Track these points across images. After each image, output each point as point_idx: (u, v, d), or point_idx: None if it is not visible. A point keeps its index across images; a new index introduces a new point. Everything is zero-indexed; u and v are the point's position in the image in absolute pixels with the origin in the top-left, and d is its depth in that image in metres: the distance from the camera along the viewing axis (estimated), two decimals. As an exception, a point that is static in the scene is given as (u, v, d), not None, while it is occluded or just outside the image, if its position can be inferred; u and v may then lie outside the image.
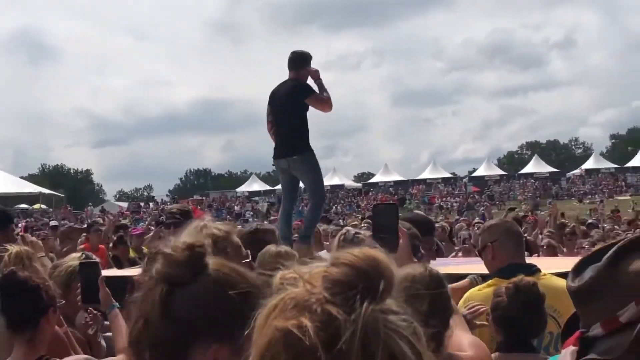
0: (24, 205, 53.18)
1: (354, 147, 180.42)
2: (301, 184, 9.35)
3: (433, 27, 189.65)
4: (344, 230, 4.11)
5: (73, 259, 4.66)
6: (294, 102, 8.56)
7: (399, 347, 1.08)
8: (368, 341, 1.06)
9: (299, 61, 8.83)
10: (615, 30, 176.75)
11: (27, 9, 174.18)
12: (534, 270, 4.37)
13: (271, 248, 3.88)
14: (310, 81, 8.78)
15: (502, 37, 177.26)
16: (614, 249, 1.97)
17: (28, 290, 3.39)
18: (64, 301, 3.82)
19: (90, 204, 59.51)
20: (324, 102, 8.66)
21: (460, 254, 10.81)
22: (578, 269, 2.03)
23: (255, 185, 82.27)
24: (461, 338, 2.92)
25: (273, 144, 8.79)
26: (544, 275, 4.40)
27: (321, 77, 8.78)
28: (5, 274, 3.58)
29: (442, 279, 2.88)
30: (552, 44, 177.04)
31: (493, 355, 3.74)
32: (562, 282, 4.15)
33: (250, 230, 4.78)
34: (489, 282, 4.45)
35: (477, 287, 4.53)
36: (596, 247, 2.15)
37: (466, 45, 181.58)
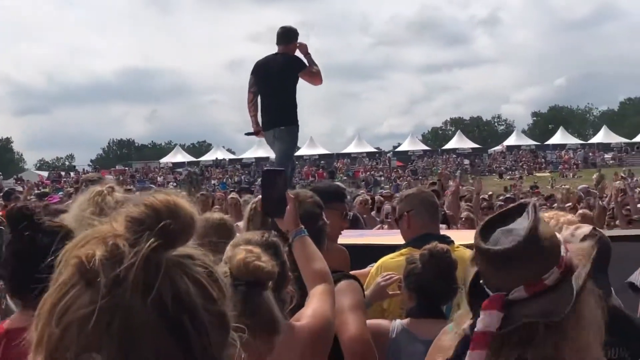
0: None
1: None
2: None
3: (362, 1, 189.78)
4: (254, 201, 4.08)
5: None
6: (289, 75, 8.90)
7: (184, 284, 1.18)
8: (148, 274, 1.15)
9: (288, 36, 9.17)
10: (539, 9, 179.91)
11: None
12: (448, 241, 4.40)
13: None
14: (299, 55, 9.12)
15: (430, 14, 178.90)
16: (531, 216, 2.05)
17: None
18: None
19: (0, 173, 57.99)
20: (316, 75, 9.08)
21: (385, 227, 10.89)
22: (486, 233, 2.10)
23: (179, 156, 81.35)
24: (308, 308, 2.96)
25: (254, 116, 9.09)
26: (457, 247, 4.46)
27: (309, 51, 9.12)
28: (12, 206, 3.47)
29: (279, 247, 2.88)
30: (477, 22, 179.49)
31: (404, 320, 3.83)
32: (466, 253, 4.33)
33: None
34: (402, 250, 4.53)
35: (389, 256, 4.59)
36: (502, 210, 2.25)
37: (394, 21, 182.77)
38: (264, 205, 3.51)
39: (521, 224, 2.06)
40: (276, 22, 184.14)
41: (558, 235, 2.11)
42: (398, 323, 3.81)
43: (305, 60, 9.08)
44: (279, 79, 8.89)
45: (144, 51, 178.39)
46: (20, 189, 26.35)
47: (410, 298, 3.88)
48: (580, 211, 10.49)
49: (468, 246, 4.64)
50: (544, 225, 2.08)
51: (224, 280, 1.25)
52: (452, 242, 4.51)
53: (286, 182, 3.58)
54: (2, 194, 13.61)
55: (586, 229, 3.13)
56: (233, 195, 13.18)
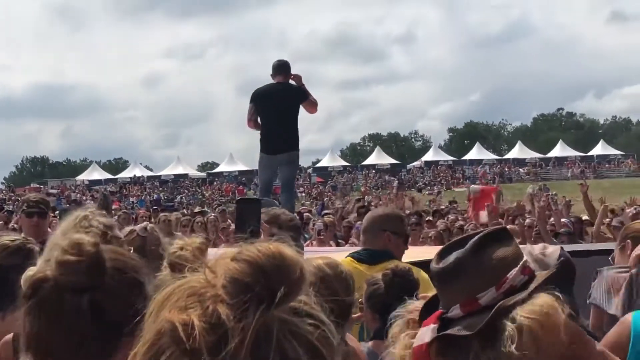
0: None
1: (197, 136, 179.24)
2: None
3: (279, 18, 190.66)
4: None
5: None
6: (293, 104, 9.55)
7: (296, 353, 1.03)
8: (258, 348, 1.01)
9: (286, 68, 9.75)
10: (454, 26, 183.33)
11: None
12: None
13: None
14: None
15: (346, 30, 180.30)
16: (479, 235, 2.07)
17: None
18: None
19: None
20: (314, 105, 9.80)
21: (315, 242, 10.87)
22: (443, 253, 2.11)
23: (95, 173, 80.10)
24: None
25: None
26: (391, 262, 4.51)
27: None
28: None
29: None
30: (393, 38, 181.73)
31: (369, 343, 3.78)
32: (419, 273, 4.32)
33: None
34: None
35: None
36: (463, 235, 2.25)
37: (311, 37, 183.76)
38: (237, 235, 3.43)
39: (457, 246, 2.09)
40: (191, 38, 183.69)
41: (521, 257, 2.09)
42: (364, 346, 3.75)
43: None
44: (284, 107, 9.52)
45: (56, 67, 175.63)
46: None
47: (374, 319, 3.83)
48: (508, 226, 10.59)
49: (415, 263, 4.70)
50: (498, 245, 2.06)
51: (336, 336, 1.10)
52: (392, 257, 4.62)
53: (260, 211, 3.50)
54: None
55: (553, 248, 3.11)
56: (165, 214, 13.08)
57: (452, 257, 2.03)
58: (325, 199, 38.83)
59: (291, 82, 9.76)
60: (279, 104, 9.55)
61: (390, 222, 4.92)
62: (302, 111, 9.83)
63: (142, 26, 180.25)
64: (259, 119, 9.74)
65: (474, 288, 1.99)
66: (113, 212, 18.63)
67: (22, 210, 6.34)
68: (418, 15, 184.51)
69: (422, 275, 4.05)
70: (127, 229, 3.87)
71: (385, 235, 4.75)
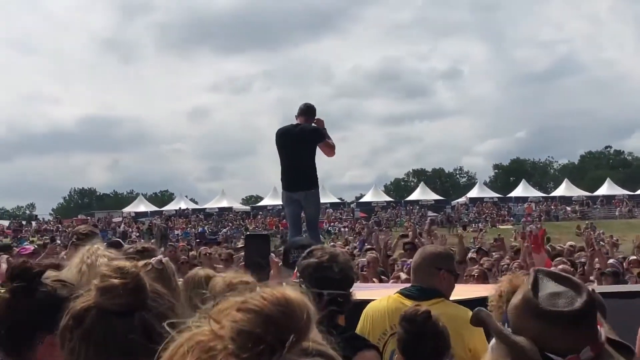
0: None
1: (242, 170, 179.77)
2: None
3: (323, 52, 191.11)
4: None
5: None
6: (313, 143, 9.98)
7: None
8: None
9: (312, 112, 10.24)
10: (500, 63, 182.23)
11: None
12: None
13: (199, 272, 3.80)
14: None
15: (391, 66, 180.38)
16: (578, 281, 2.24)
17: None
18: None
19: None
20: (331, 148, 10.19)
21: (359, 281, 10.83)
22: (550, 297, 2.16)
23: (141, 205, 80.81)
24: None
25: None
26: (439, 301, 4.63)
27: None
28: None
29: None
30: (438, 74, 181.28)
31: None
32: (460, 310, 4.55)
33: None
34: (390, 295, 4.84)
35: (374, 302, 4.79)
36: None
37: (355, 72, 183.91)
38: (247, 269, 3.45)
39: (558, 288, 2.17)
40: (236, 72, 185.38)
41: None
42: None
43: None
44: (300, 147, 9.92)
45: (104, 100, 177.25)
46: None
47: None
48: (560, 266, 10.46)
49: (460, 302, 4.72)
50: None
51: None
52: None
53: (269, 246, 3.54)
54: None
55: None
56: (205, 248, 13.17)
57: (578, 301, 2.11)
58: (364, 233, 38.62)
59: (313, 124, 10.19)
60: (295, 144, 10.01)
61: (445, 260, 4.96)
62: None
63: (189, 60, 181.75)
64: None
65: (596, 329, 2.13)
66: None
67: (71, 242, 6.44)
68: (463, 51, 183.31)
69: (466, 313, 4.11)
70: (142, 262, 3.92)
71: (440, 274, 4.79)
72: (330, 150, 10.20)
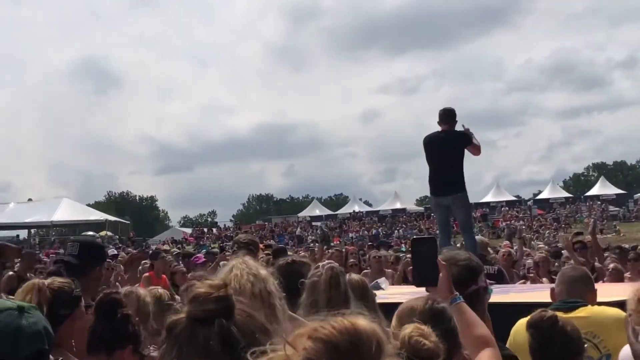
0: (90, 233, 53.92)
1: (415, 171, 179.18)
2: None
3: (493, 48, 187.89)
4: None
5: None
6: (460, 148, 10.18)
7: None
8: None
9: (453, 116, 10.45)
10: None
11: (90, 38, 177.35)
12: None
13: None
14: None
15: (564, 57, 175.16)
16: None
17: (116, 315, 3.47)
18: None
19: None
20: (478, 148, 10.31)
21: (528, 282, 10.60)
22: None
23: (316, 210, 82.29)
24: None
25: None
26: (584, 308, 4.61)
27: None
28: (104, 294, 3.64)
29: (445, 313, 2.95)
30: (615, 64, 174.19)
31: None
32: (606, 311, 4.55)
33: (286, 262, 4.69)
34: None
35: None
36: None
37: (528, 66, 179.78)
38: (415, 275, 3.43)
39: None
40: (406, 72, 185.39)
41: None
42: None
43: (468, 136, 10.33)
44: (450, 152, 10.15)
45: (278, 107, 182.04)
46: (167, 247, 27.23)
47: None
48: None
49: (614, 303, 4.59)
50: None
51: None
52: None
53: (436, 249, 3.51)
54: (150, 254, 14.01)
55: None
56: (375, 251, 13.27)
57: None
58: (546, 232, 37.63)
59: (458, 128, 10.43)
60: (442, 149, 10.24)
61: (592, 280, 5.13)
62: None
63: (359, 62, 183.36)
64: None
65: None
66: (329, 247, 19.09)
67: (233, 251, 6.66)
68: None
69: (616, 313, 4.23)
70: (315, 266, 4.04)
71: (593, 292, 4.85)
72: (477, 150, 10.33)
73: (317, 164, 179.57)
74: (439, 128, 10.45)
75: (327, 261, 4.12)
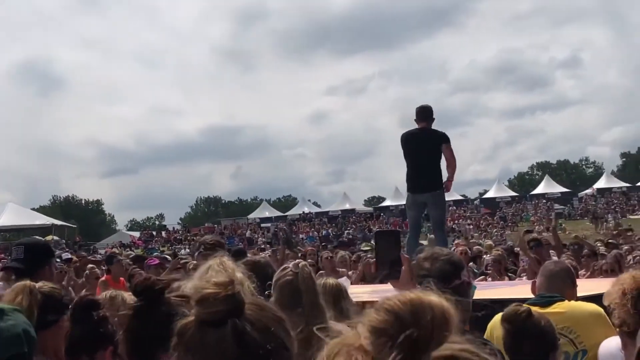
0: (36, 237, 53.01)
1: (363, 171, 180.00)
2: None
3: (439, 49, 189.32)
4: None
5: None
6: (438, 146, 10.21)
7: None
8: None
9: (430, 113, 10.61)
10: (623, 48, 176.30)
11: (33, 40, 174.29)
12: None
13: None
14: None
15: (508, 58, 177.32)
16: None
17: (93, 317, 3.42)
18: None
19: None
20: (453, 158, 10.36)
21: (489, 279, 10.75)
22: None
23: (266, 211, 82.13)
24: None
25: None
26: (561, 303, 4.66)
27: None
28: (80, 297, 3.58)
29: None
30: (558, 63, 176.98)
31: None
32: (583, 307, 4.62)
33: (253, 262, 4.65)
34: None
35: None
36: None
37: (472, 67, 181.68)
38: (378, 267, 3.46)
39: None
40: (354, 74, 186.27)
41: None
42: None
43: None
44: (430, 150, 10.23)
45: (226, 109, 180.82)
46: (116, 251, 26.92)
47: None
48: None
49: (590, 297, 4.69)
50: None
51: None
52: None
53: (400, 243, 3.55)
54: (105, 258, 13.85)
55: None
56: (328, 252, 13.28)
57: None
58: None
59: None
60: (422, 147, 10.31)
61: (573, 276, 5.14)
62: None
63: (307, 64, 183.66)
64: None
65: None
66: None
67: (199, 253, 6.61)
68: (584, 39, 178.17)
69: (593, 308, 4.12)
70: (283, 266, 4.02)
71: (575, 288, 4.94)
72: (453, 155, 10.36)
73: (265, 165, 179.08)
74: (414, 125, 10.57)
75: (298, 260, 4.10)
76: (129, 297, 4.98)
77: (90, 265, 12.22)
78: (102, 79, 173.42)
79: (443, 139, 10.31)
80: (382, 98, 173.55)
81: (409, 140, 10.47)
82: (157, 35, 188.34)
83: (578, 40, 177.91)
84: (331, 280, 4.57)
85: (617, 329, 3.61)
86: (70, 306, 3.55)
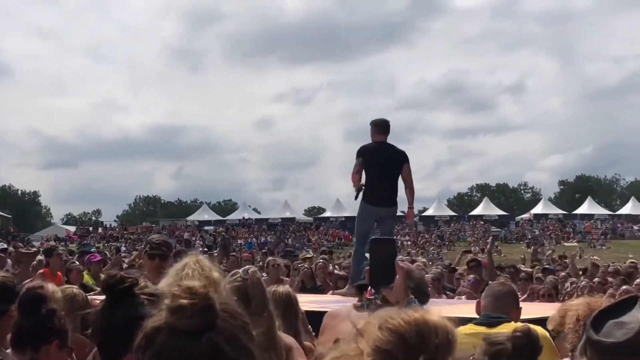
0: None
1: (305, 181, 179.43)
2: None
3: (389, 64, 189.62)
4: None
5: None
6: (401, 164, 10.37)
7: None
8: None
9: (388, 127, 10.69)
10: (567, 77, 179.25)
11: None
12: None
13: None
14: None
15: (455, 78, 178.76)
16: None
17: (41, 310, 3.40)
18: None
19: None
20: (411, 177, 10.59)
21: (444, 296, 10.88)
22: (598, 323, 2.14)
23: (205, 214, 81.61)
24: None
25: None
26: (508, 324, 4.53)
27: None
28: (27, 289, 3.56)
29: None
30: (504, 88, 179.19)
31: None
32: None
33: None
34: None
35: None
36: (614, 301, 2.28)
37: (420, 85, 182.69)
38: (372, 275, 3.45)
39: (634, 317, 2.09)
40: (302, 83, 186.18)
41: None
42: None
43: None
44: (397, 168, 10.35)
45: (172, 108, 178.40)
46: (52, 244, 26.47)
47: None
48: (624, 287, 10.23)
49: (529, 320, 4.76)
50: None
51: None
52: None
53: (395, 251, 3.56)
54: (44, 250, 13.61)
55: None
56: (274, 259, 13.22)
57: (620, 333, 2.07)
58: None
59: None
60: (390, 163, 10.33)
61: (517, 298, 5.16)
62: None
63: (256, 70, 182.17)
64: (364, 173, 10.38)
65: None
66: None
67: (145, 252, 6.52)
68: (531, 65, 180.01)
69: (541, 331, 4.15)
70: (233, 272, 4.03)
71: (519, 310, 4.94)
72: (411, 174, 10.56)
73: (207, 167, 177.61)
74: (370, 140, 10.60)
75: (248, 266, 4.12)
76: (78, 291, 4.94)
77: (39, 257, 12.00)
78: (49, 71, 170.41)
79: (406, 158, 10.46)
80: (329, 109, 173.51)
81: (377, 153, 10.45)
82: (107, 30, 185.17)
83: (524, 67, 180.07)
84: (282, 289, 4.58)
85: (570, 353, 3.70)
86: (19, 298, 3.54)
